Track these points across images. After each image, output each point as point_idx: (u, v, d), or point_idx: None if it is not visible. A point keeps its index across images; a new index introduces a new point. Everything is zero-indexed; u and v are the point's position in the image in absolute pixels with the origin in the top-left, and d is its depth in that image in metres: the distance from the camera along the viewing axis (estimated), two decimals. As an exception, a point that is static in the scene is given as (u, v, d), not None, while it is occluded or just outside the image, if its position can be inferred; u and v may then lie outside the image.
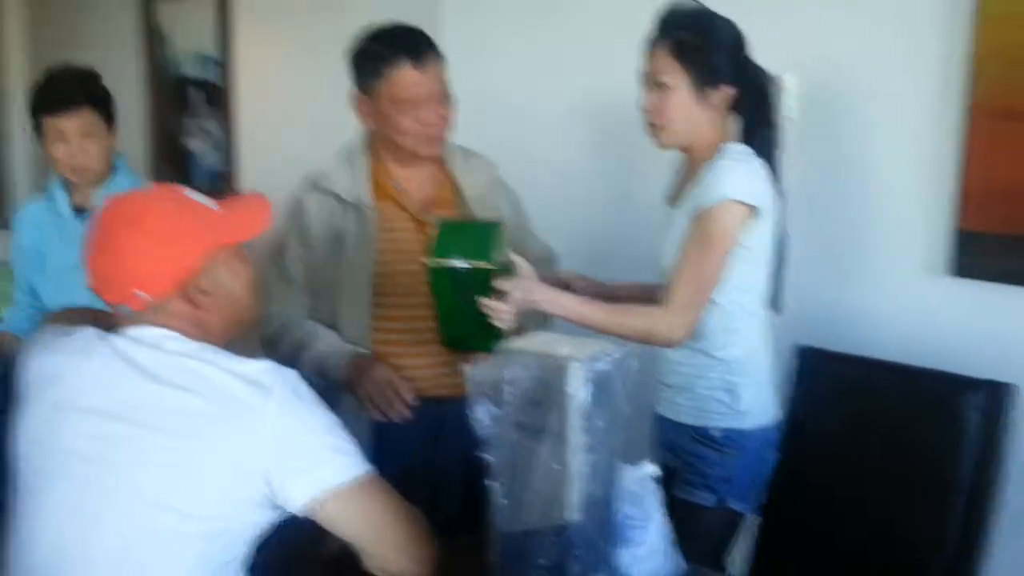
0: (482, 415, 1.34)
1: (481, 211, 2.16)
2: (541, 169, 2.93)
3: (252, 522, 1.42)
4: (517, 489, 1.34)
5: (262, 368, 1.42)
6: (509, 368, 1.33)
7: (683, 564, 1.55)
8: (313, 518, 1.44)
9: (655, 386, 2.11)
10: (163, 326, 1.44)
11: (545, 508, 1.33)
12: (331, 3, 4.19)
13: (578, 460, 1.32)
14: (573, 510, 1.33)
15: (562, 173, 3.01)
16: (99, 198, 2.46)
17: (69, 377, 1.46)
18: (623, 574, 1.45)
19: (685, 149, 2.02)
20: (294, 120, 4.27)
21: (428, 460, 2.05)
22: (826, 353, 2.12)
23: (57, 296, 2.42)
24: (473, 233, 1.86)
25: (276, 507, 1.41)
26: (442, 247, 1.81)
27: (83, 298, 2.11)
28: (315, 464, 1.41)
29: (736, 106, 1.98)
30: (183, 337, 1.45)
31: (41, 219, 2.61)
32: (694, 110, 1.94)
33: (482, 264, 1.77)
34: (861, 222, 2.39)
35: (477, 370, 1.36)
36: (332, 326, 2.08)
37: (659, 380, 2.10)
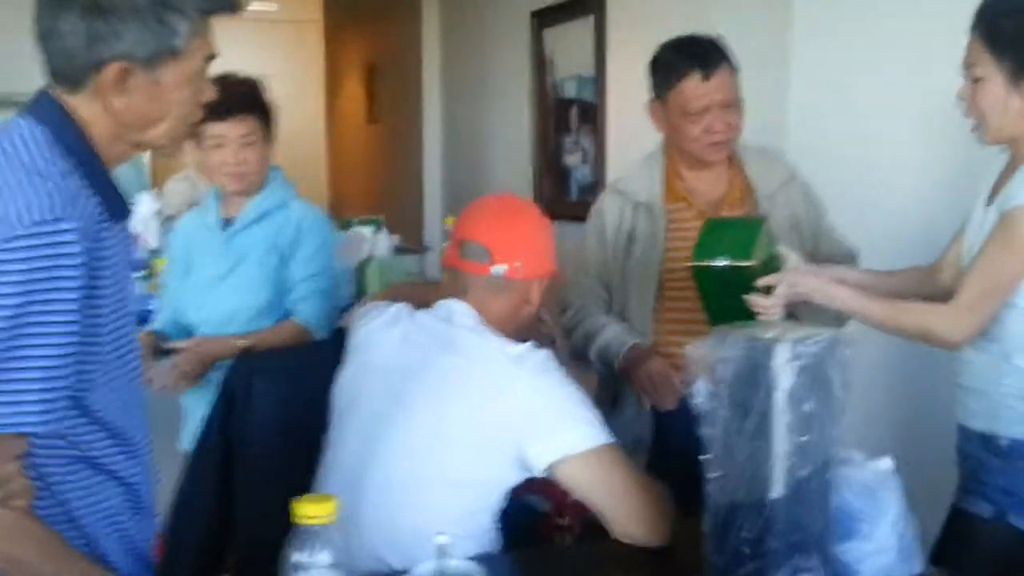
0: (699, 391, 1.42)
1: (773, 210, 2.20)
2: (881, 166, 2.86)
3: (502, 477, 1.61)
4: (727, 463, 1.40)
5: (522, 348, 1.64)
6: (723, 347, 1.39)
7: (922, 567, 1.49)
8: (554, 480, 1.61)
9: (952, 388, 2.00)
10: (475, 305, 1.71)
11: (750, 483, 1.37)
12: (691, 17, 4.35)
13: (781, 439, 1.34)
14: (776, 487, 1.35)
15: (900, 169, 2.91)
16: (250, 209, 2.48)
17: (377, 343, 1.76)
18: (846, 564, 1.44)
19: (1012, 144, 1.89)
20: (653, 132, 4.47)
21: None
22: None
23: (196, 308, 2.49)
24: (736, 231, 1.90)
25: (523, 467, 1.60)
26: (705, 247, 1.89)
27: (221, 310, 2.43)
28: (559, 430, 1.58)
29: None
30: (479, 318, 1.70)
31: (191, 229, 2.63)
32: (1010, 102, 1.82)
33: (742, 262, 1.82)
34: None
35: (694, 348, 1.43)
36: (623, 318, 2.23)
37: (955, 381, 1.99)
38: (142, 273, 2.98)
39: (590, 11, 5.07)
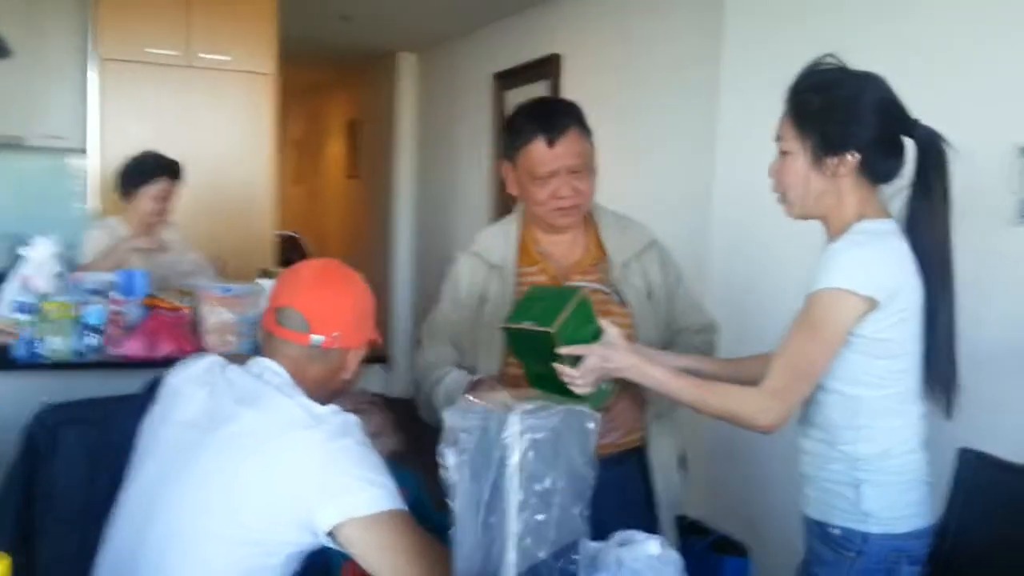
0: (448, 460, 1.36)
1: (627, 277, 2.17)
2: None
3: (288, 539, 1.55)
4: (469, 540, 1.34)
5: (329, 409, 1.62)
6: (465, 416, 1.34)
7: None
8: (337, 545, 1.55)
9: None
10: (287, 367, 1.68)
11: (485, 563, 1.31)
12: (632, 83, 4.37)
13: (513, 517, 1.28)
14: (509, 570, 1.29)
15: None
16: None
17: (182, 396, 1.72)
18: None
19: (821, 221, 1.85)
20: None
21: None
22: (990, 459, 1.80)
23: None
24: (549, 300, 1.87)
25: (310, 530, 1.54)
26: (519, 311, 1.88)
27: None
28: (344, 492, 1.53)
29: (875, 174, 1.78)
30: (289, 378, 1.67)
31: None
32: (812, 179, 1.78)
33: (541, 328, 1.78)
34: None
35: (449, 414, 1.38)
36: None
37: (797, 469, 1.92)
38: (28, 318, 2.94)
39: (547, 74, 5.12)
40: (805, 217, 1.84)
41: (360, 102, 7.96)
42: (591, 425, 1.33)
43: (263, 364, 1.67)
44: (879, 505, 1.76)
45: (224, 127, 5.08)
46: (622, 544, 1.51)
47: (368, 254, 7.52)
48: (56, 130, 5.20)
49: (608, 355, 1.81)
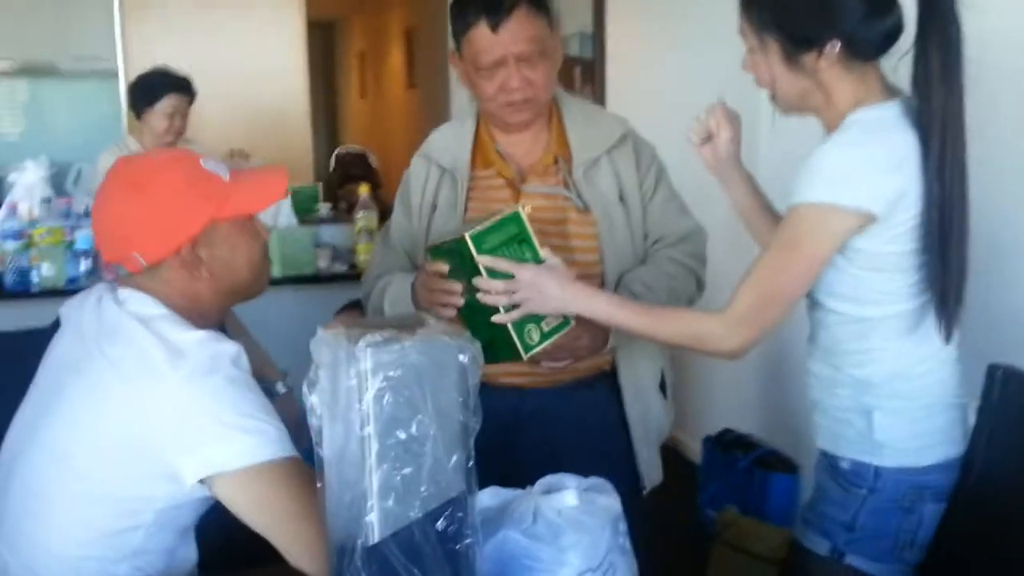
0: (307, 399, 1.13)
1: (592, 178, 1.87)
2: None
3: (152, 493, 1.36)
4: (335, 496, 1.11)
5: (196, 339, 1.38)
6: (322, 347, 1.10)
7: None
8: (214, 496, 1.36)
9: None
10: (150, 292, 1.44)
11: (350, 524, 1.08)
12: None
13: (372, 470, 1.05)
14: (372, 531, 1.06)
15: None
16: None
17: (62, 331, 1.52)
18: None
19: (816, 116, 1.55)
20: (657, 97, 4.13)
21: (504, 449, 1.80)
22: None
23: None
24: (486, 220, 1.62)
25: (173, 480, 1.34)
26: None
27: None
28: (209, 441, 1.33)
29: (865, 54, 1.46)
30: (153, 302, 1.43)
31: None
32: (790, 78, 1.50)
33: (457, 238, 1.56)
34: None
35: (313, 343, 1.14)
36: None
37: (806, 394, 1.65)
38: (19, 243, 2.82)
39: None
40: (795, 113, 1.56)
41: (416, 9, 7.66)
42: (463, 357, 1.07)
43: (125, 292, 1.44)
44: (893, 435, 1.51)
45: (253, 42, 4.90)
46: (548, 491, 1.27)
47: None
48: (88, 52, 5.10)
49: (540, 281, 1.55)
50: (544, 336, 1.64)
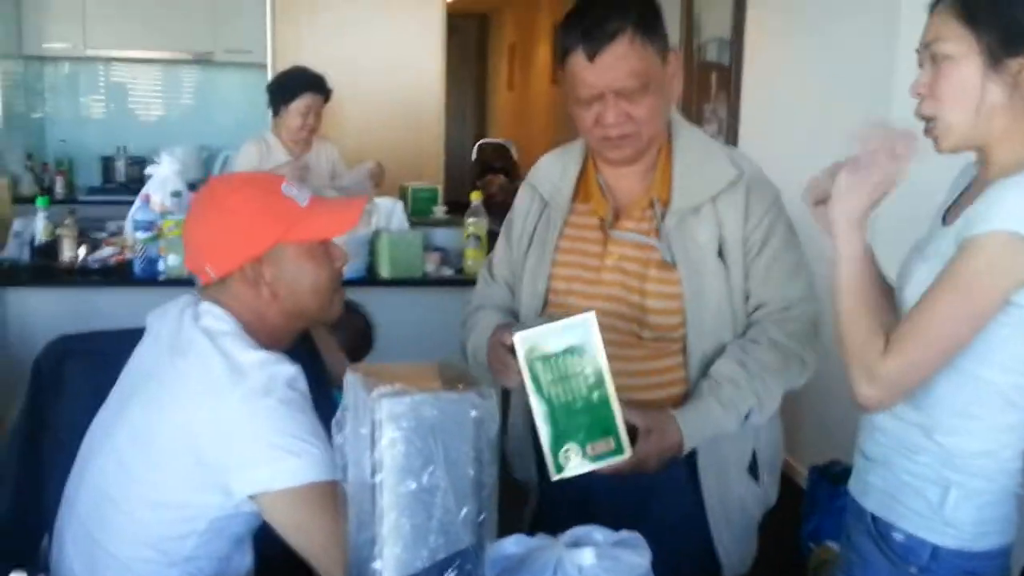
0: (338, 441, 1.16)
1: (686, 229, 1.70)
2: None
3: (205, 502, 1.43)
4: (352, 533, 1.14)
5: (258, 359, 1.44)
6: (347, 391, 1.13)
7: None
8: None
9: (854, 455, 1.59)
10: (221, 304, 1.52)
11: (359, 564, 1.11)
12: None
13: (382, 517, 1.07)
14: (379, 574, 1.08)
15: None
16: None
17: (144, 339, 1.62)
18: None
19: (978, 153, 1.44)
20: (792, 109, 4.01)
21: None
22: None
23: None
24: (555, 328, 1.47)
25: (224, 493, 1.41)
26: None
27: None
28: (260, 461, 1.39)
29: None
30: (227, 317, 1.51)
31: None
32: (988, 89, 1.36)
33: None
34: None
35: (345, 381, 1.17)
36: None
37: (857, 445, 1.57)
38: (149, 234, 2.98)
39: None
40: (961, 148, 1.43)
41: (565, 4, 7.64)
42: (474, 412, 1.08)
43: (205, 306, 1.52)
44: (966, 516, 1.42)
45: (395, 38, 5.02)
46: (575, 543, 1.27)
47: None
48: (242, 45, 5.35)
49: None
50: (588, 460, 1.49)
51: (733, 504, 1.76)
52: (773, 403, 1.71)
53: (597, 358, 1.45)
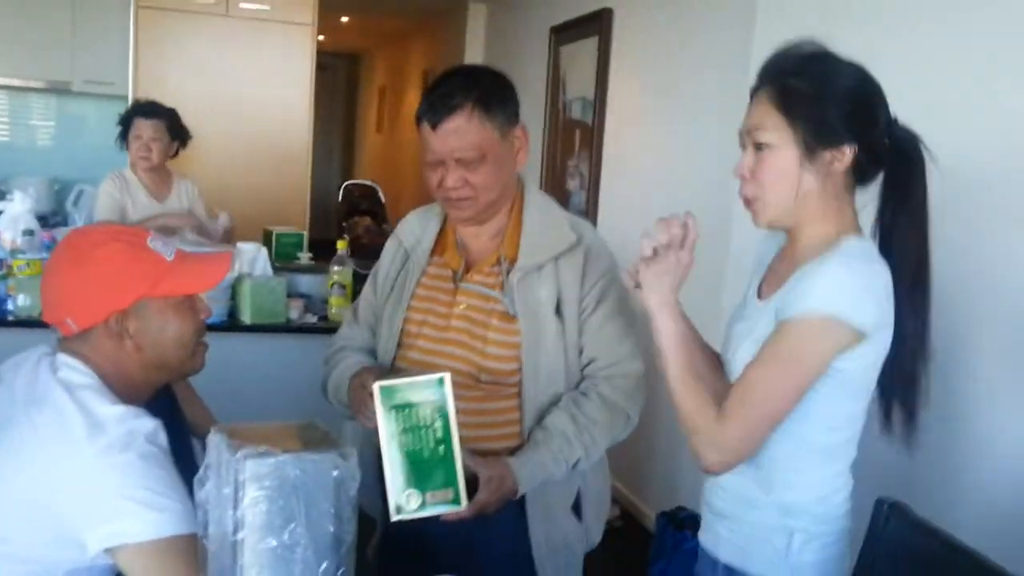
0: (200, 498, 1.19)
1: (528, 285, 1.83)
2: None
3: (63, 559, 1.42)
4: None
5: (117, 414, 1.44)
6: (210, 449, 1.16)
7: None
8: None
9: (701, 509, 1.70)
10: (80, 356, 1.51)
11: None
12: (684, 42, 4.04)
13: (250, 574, 1.11)
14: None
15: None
16: None
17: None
18: None
19: (789, 230, 1.57)
20: (651, 164, 4.20)
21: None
22: (907, 514, 1.54)
23: None
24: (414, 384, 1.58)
25: (78, 547, 1.40)
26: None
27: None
28: (114, 514, 1.38)
29: (863, 174, 1.50)
30: (86, 369, 1.50)
31: None
32: (802, 176, 1.48)
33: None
34: None
35: (207, 442, 1.20)
36: None
37: (704, 499, 1.68)
38: (-1, 272, 2.91)
39: (596, 30, 4.81)
40: (775, 225, 1.55)
41: (434, 52, 7.80)
42: (336, 473, 1.13)
43: (63, 357, 1.51)
44: (809, 558, 1.53)
45: (262, 78, 5.01)
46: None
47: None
48: (102, 76, 5.22)
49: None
50: (426, 506, 1.57)
51: (558, 542, 1.88)
52: (598, 452, 1.86)
53: (448, 415, 1.55)
